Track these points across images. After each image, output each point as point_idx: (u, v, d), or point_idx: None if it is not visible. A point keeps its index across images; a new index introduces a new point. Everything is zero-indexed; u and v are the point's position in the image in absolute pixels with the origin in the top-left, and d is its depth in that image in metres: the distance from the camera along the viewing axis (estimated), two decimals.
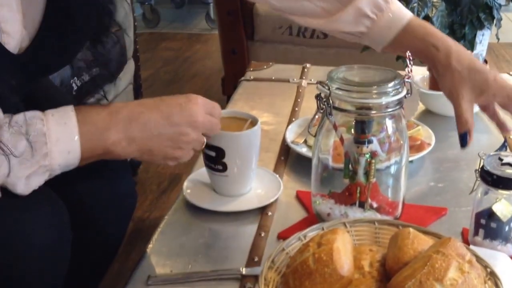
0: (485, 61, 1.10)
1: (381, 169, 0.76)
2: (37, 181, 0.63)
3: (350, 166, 0.76)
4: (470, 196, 0.85)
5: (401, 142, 0.75)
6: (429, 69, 0.87)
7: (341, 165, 0.78)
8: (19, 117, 0.62)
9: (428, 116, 1.13)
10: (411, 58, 0.74)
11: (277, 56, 2.10)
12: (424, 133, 1.00)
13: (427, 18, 0.95)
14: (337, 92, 0.72)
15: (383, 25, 0.86)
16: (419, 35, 0.83)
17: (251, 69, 1.42)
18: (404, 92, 0.72)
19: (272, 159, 1.00)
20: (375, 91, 0.71)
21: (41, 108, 0.66)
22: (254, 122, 0.87)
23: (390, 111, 0.72)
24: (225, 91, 2.35)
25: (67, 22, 0.75)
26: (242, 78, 1.37)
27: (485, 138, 1.08)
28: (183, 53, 3.53)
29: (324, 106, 0.74)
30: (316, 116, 1.10)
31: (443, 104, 1.11)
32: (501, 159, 0.73)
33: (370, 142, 0.74)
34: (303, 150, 0.99)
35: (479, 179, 0.74)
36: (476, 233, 0.75)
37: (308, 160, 0.94)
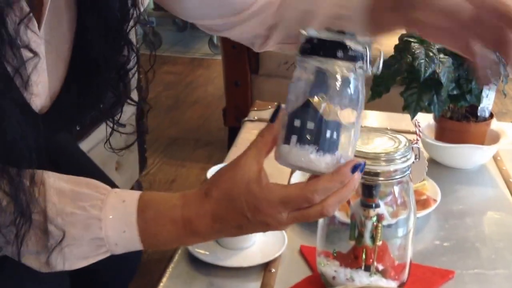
0: (491, 115, 1.11)
1: (388, 232, 0.76)
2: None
3: (356, 228, 0.76)
4: (477, 258, 0.85)
5: (409, 206, 0.75)
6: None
7: (347, 220, 0.78)
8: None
9: (434, 167, 1.12)
10: (419, 124, 0.74)
11: (281, 90, 2.09)
12: (430, 187, 0.99)
13: (434, 73, 0.95)
14: None
15: None
16: None
17: (255, 109, 1.42)
18: (412, 159, 0.72)
19: None
20: (383, 158, 0.71)
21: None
22: None
23: (398, 178, 0.72)
24: (226, 122, 2.36)
25: (87, 84, 0.76)
26: (246, 119, 1.37)
27: (491, 191, 1.08)
28: (184, 77, 3.55)
29: None
30: None
31: (449, 155, 1.12)
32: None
33: (377, 206, 0.74)
34: None
35: (298, 55, 0.59)
36: (287, 141, 0.59)
37: None
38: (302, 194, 0.58)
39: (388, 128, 1.24)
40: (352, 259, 0.77)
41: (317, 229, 0.80)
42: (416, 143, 0.73)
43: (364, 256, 0.76)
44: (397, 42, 1.03)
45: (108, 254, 0.64)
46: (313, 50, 0.58)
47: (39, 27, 0.66)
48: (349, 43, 0.57)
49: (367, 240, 0.75)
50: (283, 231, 0.90)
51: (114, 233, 0.62)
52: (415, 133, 0.73)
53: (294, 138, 0.58)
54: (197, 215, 0.61)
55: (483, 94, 1.03)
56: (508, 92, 1.07)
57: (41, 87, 0.69)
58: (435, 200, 0.96)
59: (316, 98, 0.58)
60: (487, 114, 1.10)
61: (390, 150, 0.71)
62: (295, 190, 0.59)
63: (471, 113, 1.12)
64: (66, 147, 0.91)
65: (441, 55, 0.97)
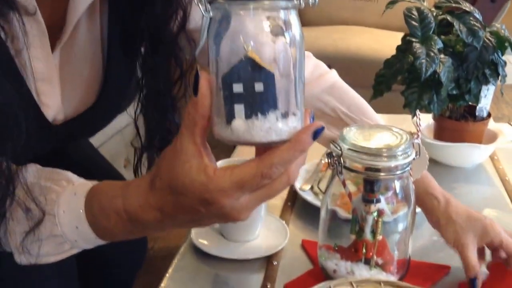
0: (489, 114, 1.13)
1: (388, 227, 0.78)
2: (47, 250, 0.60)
3: (357, 223, 0.78)
4: None
5: (409, 202, 0.77)
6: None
7: (349, 216, 0.80)
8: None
9: (433, 165, 1.14)
10: (420, 122, 0.76)
11: None
12: None
13: (435, 73, 0.97)
14: (348, 152, 0.74)
15: None
16: (422, 186, 0.85)
17: None
18: (413, 155, 0.74)
19: (279, 204, 1.02)
20: (385, 154, 0.73)
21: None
22: None
23: (399, 173, 0.74)
24: None
25: (106, 104, 0.78)
26: None
27: (488, 190, 1.10)
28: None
29: (335, 165, 0.76)
30: (323, 162, 1.13)
31: (448, 154, 1.14)
32: None
33: (378, 201, 0.76)
34: (310, 198, 1.01)
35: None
36: (230, 115, 0.48)
37: (314, 208, 0.96)
38: (258, 172, 0.49)
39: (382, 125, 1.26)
40: (352, 253, 0.79)
41: (318, 224, 0.82)
42: (417, 138, 0.75)
43: (364, 250, 0.78)
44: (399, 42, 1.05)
45: (77, 250, 0.61)
46: None
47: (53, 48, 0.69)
48: None
49: (368, 234, 0.77)
50: (285, 225, 0.93)
51: (69, 229, 0.58)
52: (416, 132, 0.75)
53: (241, 108, 0.47)
54: (141, 208, 0.54)
55: (482, 94, 1.06)
56: (504, 97, 1.09)
57: (52, 99, 0.72)
58: None
59: (252, 51, 0.46)
60: (485, 114, 1.12)
61: (392, 146, 0.73)
62: (250, 169, 0.49)
63: (469, 112, 1.15)
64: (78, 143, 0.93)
65: (442, 56, 1.00)
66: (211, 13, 0.47)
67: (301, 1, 0.48)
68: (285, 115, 0.49)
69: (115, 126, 0.87)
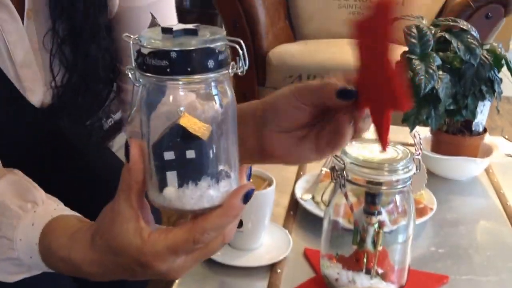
0: (485, 129, 1.17)
1: (389, 238, 0.81)
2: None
3: (359, 233, 0.82)
4: (469, 264, 0.91)
5: (408, 214, 0.81)
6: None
7: (350, 225, 0.83)
8: None
9: (429, 177, 1.18)
10: (420, 136, 0.80)
11: None
12: (427, 196, 1.06)
13: (433, 89, 1.01)
14: (351, 166, 0.78)
15: None
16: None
17: None
18: (413, 170, 0.78)
19: (282, 213, 1.05)
20: (386, 168, 0.76)
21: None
22: (270, 182, 0.93)
23: (400, 187, 0.78)
24: None
25: (87, 83, 0.81)
26: None
27: (483, 202, 1.14)
28: None
29: (338, 178, 0.79)
30: (323, 172, 1.16)
31: (444, 167, 1.18)
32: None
33: (379, 213, 0.80)
34: (311, 207, 1.04)
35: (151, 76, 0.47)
36: (163, 183, 0.49)
37: (315, 217, 1.00)
38: (190, 237, 0.50)
39: None
40: (354, 263, 0.82)
41: (320, 233, 0.86)
42: (418, 155, 0.78)
43: (365, 260, 0.81)
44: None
45: (36, 272, 0.62)
46: (177, 65, 0.45)
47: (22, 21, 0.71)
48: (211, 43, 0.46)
49: (369, 245, 0.81)
50: (288, 234, 0.96)
51: (25, 257, 0.60)
52: (413, 145, 0.79)
53: (173, 176, 0.48)
54: (84, 261, 0.56)
55: (478, 110, 1.09)
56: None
57: (35, 83, 0.74)
58: (431, 209, 1.02)
59: (183, 118, 0.46)
60: (481, 129, 1.16)
61: (393, 161, 0.77)
62: (182, 235, 0.50)
63: (466, 127, 1.18)
64: (96, 149, 0.95)
65: (440, 72, 1.04)
66: (141, 81, 0.47)
67: (230, 71, 0.48)
68: (218, 180, 0.49)
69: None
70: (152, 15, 0.51)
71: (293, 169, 1.22)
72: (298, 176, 1.18)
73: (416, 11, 1.60)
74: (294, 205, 1.08)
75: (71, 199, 0.68)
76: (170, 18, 0.86)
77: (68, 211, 0.64)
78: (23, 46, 0.73)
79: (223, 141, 0.49)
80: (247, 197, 0.50)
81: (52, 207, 0.63)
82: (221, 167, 0.49)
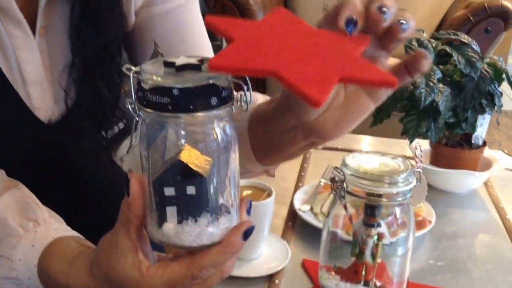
0: (484, 143, 1.17)
1: (388, 250, 0.81)
2: None
3: (357, 245, 0.81)
4: (468, 278, 0.91)
5: (408, 227, 0.81)
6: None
7: (349, 237, 0.83)
8: None
9: (428, 190, 1.18)
10: (421, 149, 0.80)
11: None
12: (425, 209, 1.05)
13: (433, 102, 1.01)
14: (351, 178, 0.78)
15: None
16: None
17: None
18: (414, 183, 0.78)
19: (280, 224, 1.05)
20: (386, 181, 0.76)
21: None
22: (269, 192, 0.93)
23: (400, 200, 0.78)
24: None
25: (97, 102, 0.81)
26: None
27: (482, 215, 1.14)
28: None
29: (338, 190, 0.79)
30: (321, 184, 1.16)
31: (443, 180, 1.18)
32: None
33: (378, 225, 0.80)
34: (310, 218, 1.04)
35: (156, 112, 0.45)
36: (162, 218, 0.49)
37: (314, 228, 1.00)
38: (188, 274, 0.50)
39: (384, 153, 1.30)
40: (352, 274, 0.82)
41: (319, 245, 0.85)
42: (419, 167, 0.78)
43: (364, 272, 0.81)
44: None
45: None
46: (177, 102, 0.44)
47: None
48: (215, 81, 0.45)
49: (368, 257, 0.80)
50: (287, 245, 0.96)
51: (24, 277, 0.61)
52: (412, 158, 0.79)
53: (172, 212, 0.47)
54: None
55: (478, 123, 1.10)
56: (495, 123, 1.13)
57: (45, 101, 0.74)
58: (430, 222, 1.02)
59: (184, 153, 0.45)
60: (480, 142, 1.16)
61: (394, 173, 0.77)
62: (181, 270, 0.50)
63: (465, 140, 1.18)
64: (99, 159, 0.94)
65: (440, 85, 1.04)
66: (142, 115, 0.46)
67: (233, 108, 0.47)
68: (217, 216, 0.48)
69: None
70: (155, 43, 0.49)
71: (292, 180, 1.22)
72: (296, 187, 1.18)
73: (416, 25, 1.60)
74: (293, 216, 1.08)
75: (75, 213, 0.68)
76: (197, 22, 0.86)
77: (69, 232, 0.64)
78: (34, 64, 0.72)
79: (224, 175, 0.48)
80: (247, 235, 0.49)
81: (53, 227, 0.63)
82: (221, 201, 0.49)
